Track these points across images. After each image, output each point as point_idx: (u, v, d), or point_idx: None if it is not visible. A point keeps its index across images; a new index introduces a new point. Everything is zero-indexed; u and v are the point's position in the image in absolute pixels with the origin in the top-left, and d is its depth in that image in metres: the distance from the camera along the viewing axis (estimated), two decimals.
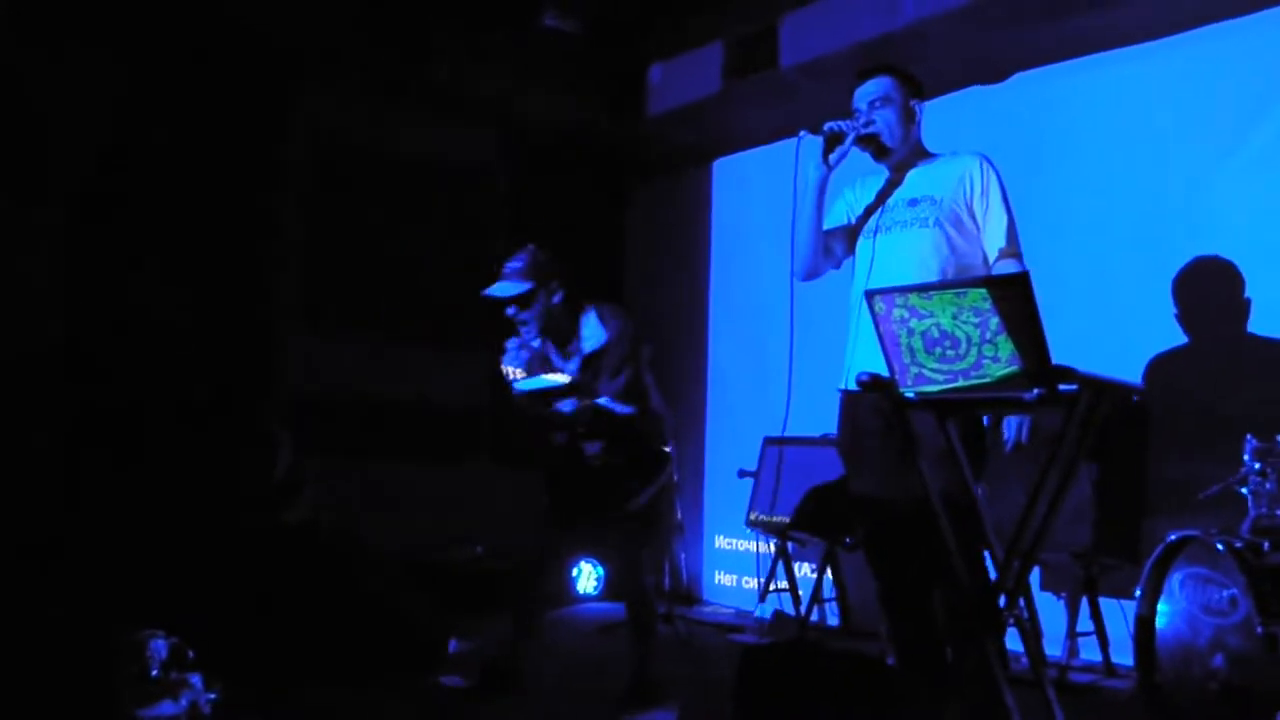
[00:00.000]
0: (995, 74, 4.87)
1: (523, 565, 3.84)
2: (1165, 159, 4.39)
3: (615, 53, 5.87)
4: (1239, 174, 4.17)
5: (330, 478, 4.84)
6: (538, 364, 3.62)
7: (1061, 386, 2.30)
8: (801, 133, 2.97)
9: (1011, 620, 2.48)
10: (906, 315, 2.39)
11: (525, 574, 3.82)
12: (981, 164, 2.97)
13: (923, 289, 2.37)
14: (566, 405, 3.53)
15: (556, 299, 3.60)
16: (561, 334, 3.65)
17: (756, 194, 6.07)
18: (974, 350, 2.33)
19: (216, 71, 4.90)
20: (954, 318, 2.32)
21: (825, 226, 3.07)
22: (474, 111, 5.90)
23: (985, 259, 2.93)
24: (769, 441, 5.37)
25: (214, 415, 4.50)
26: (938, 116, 5.02)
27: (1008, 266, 2.88)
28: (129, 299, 4.36)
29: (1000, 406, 2.63)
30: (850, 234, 3.10)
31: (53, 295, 4.35)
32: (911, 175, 3.04)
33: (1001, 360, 2.30)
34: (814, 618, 5.09)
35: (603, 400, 3.56)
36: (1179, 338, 4.20)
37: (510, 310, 3.58)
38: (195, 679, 2.74)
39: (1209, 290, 4.16)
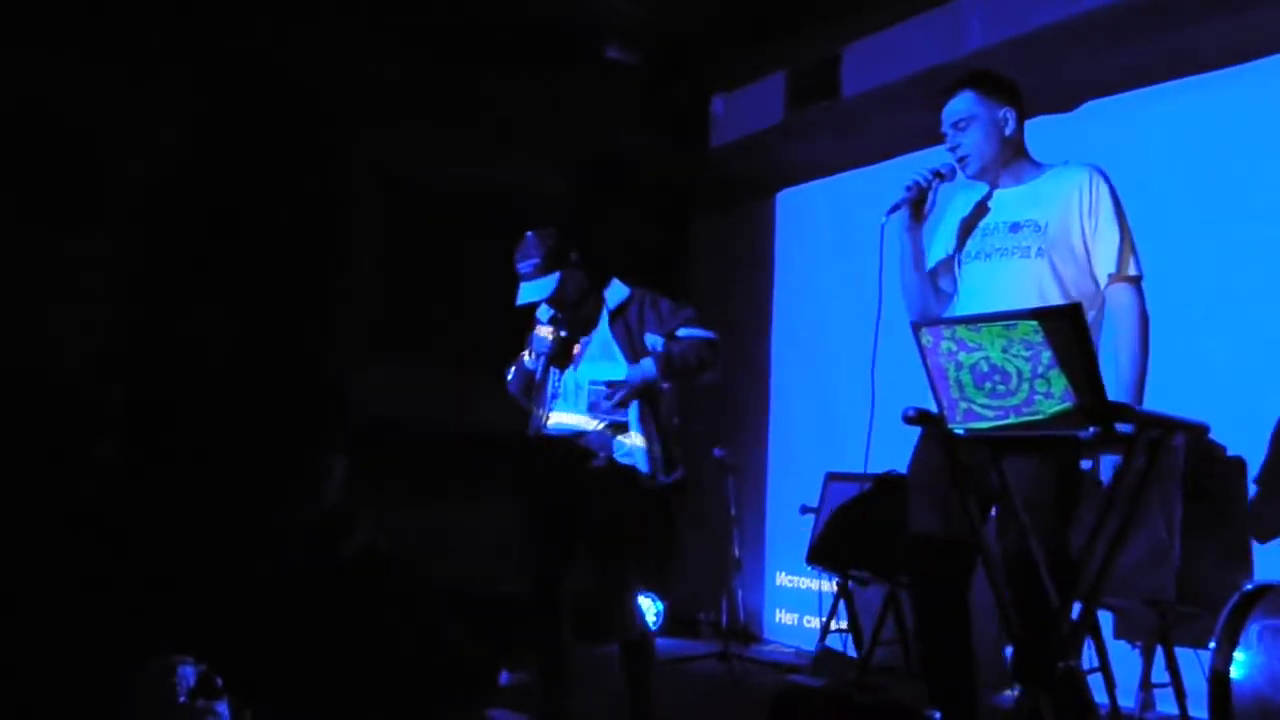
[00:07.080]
0: (1065, 103, 4.73)
1: (528, 601, 3.40)
2: (1240, 189, 4.22)
3: (677, 85, 5.86)
4: None
5: (387, 506, 4.84)
6: (560, 351, 3.36)
7: (1120, 425, 2.18)
8: (886, 215, 2.69)
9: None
10: (954, 348, 2.29)
11: (533, 610, 3.40)
12: (1091, 176, 2.68)
13: (970, 320, 2.27)
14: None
15: (578, 278, 3.35)
16: (590, 313, 3.39)
17: (821, 226, 5.98)
18: (1025, 385, 2.22)
19: (283, 105, 5.00)
20: (1004, 351, 2.22)
21: (932, 263, 2.84)
22: (538, 143, 5.93)
23: (1098, 287, 2.65)
24: (832, 477, 5.25)
25: (269, 444, 4.54)
26: None
27: (1119, 295, 2.62)
28: (187, 328, 4.44)
29: (1054, 445, 2.51)
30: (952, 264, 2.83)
31: (111, 320, 4.44)
32: (1014, 193, 2.76)
33: (1055, 396, 2.19)
34: (878, 656, 4.93)
35: (681, 333, 3.30)
36: (1267, 380, 3.99)
37: (550, 312, 3.37)
38: (222, 707, 2.71)
39: None
